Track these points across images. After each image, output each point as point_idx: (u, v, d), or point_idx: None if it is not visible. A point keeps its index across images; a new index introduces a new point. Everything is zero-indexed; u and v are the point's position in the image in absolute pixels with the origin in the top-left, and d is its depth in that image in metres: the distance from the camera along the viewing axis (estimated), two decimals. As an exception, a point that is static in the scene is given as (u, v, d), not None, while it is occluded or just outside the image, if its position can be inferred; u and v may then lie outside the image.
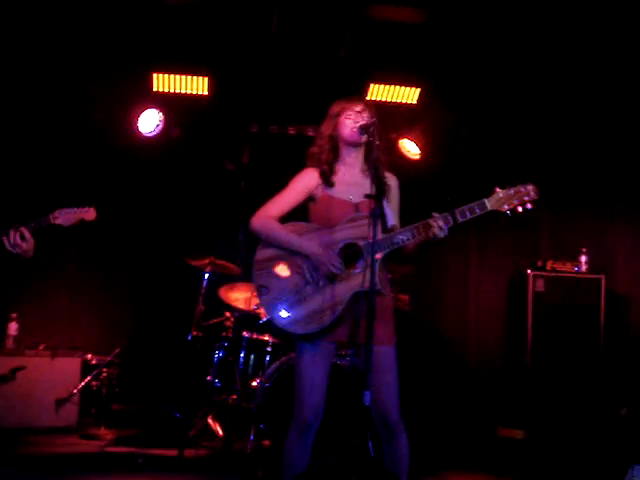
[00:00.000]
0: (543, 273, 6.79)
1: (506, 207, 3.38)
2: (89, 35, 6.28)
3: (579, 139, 7.22)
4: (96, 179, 6.87)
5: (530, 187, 3.40)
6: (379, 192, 3.24)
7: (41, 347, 6.33)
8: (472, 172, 7.24)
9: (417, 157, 7.12)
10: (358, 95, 6.41)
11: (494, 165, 7.23)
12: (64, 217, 4.05)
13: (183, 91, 6.73)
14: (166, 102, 6.81)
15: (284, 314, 3.46)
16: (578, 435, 6.46)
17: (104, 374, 6.29)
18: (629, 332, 6.99)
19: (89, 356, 6.38)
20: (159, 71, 6.65)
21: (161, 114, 6.80)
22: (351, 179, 3.64)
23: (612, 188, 7.29)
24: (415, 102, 6.92)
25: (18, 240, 3.88)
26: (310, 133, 7.03)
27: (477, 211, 3.37)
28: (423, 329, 7.36)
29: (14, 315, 6.34)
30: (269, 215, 3.60)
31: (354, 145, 3.65)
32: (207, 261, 6.21)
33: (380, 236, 3.30)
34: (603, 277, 6.76)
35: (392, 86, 6.85)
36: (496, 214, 3.40)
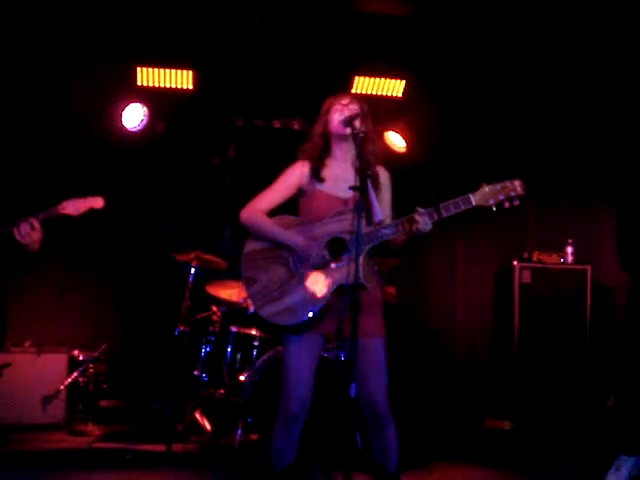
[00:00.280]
0: (529, 264, 6.81)
1: (492, 202, 3.37)
2: (73, 28, 6.24)
3: (566, 131, 7.25)
4: (80, 174, 6.82)
5: (517, 182, 3.39)
6: (363, 184, 3.24)
7: (27, 344, 6.31)
8: (459, 165, 7.25)
9: (403, 150, 7.12)
10: (343, 88, 6.43)
11: (481, 157, 7.25)
12: (73, 206, 4.11)
13: (168, 85, 6.69)
14: (150, 96, 6.77)
15: (269, 306, 3.47)
16: (565, 426, 6.50)
17: (91, 370, 6.28)
18: (615, 323, 7.02)
19: (76, 352, 6.35)
20: (143, 65, 6.61)
21: (145, 108, 6.77)
22: (341, 174, 3.63)
23: (598, 179, 7.32)
24: (401, 95, 6.91)
25: (28, 229, 3.97)
26: (295, 127, 7.02)
27: (462, 206, 3.37)
28: (410, 321, 7.36)
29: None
30: (257, 209, 3.61)
31: (342, 138, 3.64)
32: (193, 256, 6.19)
33: (365, 230, 3.30)
34: (589, 268, 6.79)
35: (377, 79, 6.84)
36: (482, 208, 3.40)
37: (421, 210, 3.37)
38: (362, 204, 3.19)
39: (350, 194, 3.50)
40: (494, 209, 3.39)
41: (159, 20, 6.23)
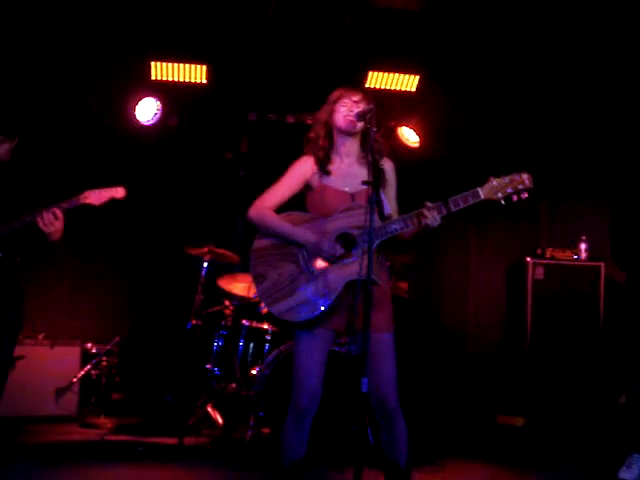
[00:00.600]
0: (543, 261, 6.78)
1: (500, 195, 3.37)
2: (87, 24, 6.25)
3: (580, 126, 7.20)
4: (94, 168, 6.84)
5: (525, 176, 3.39)
6: (376, 179, 3.23)
7: (40, 336, 6.35)
8: (472, 159, 7.22)
9: (416, 145, 7.10)
10: (357, 83, 6.42)
11: (494, 152, 7.21)
12: (95, 196, 4.18)
13: (181, 79, 6.70)
14: (164, 90, 6.78)
15: (279, 303, 3.47)
16: (577, 423, 6.48)
17: (104, 363, 6.30)
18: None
19: (89, 345, 6.39)
20: (157, 59, 6.62)
21: (159, 102, 6.78)
22: (347, 169, 3.62)
23: (613, 176, 7.27)
24: (414, 90, 6.89)
25: (51, 218, 4.04)
26: (309, 121, 7.00)
27: (470, 200, 3.37)
28: (422, 317, 7.36)
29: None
30: (265, 205, 3.60)
31: (347, 134, 3.63)
32: (206, 250, 6.20)
33: (375, 225, 3.29)
34: (603, 265, 6.75)
35: (391, 74, 6.82)
36: (495, 202, 3.39)
37: (430, 205, 3.37)
38: (375, 198, 3.18)
39: (357, 189, 3.50)
40: (503, 202, 3.39)
41: (173, 14, 6.23)
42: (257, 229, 3.62)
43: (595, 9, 5.86)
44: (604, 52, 6.37)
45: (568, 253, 6.82)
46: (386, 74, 6.82)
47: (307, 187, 3.65)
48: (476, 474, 5.25)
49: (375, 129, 3.43)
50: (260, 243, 3.60)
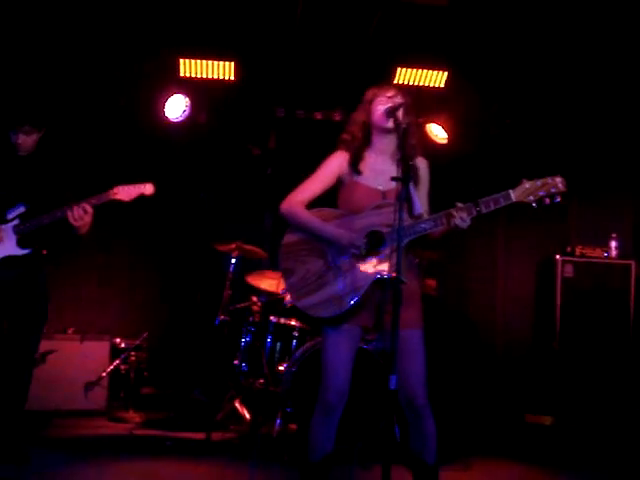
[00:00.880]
0: (572, 258, 6.73)
1: (532, 198, 3.33)
2: (118, 20, 6.30)
3: (611, 123, 7.12)
4: (123, 164, 6.88)
5: (558, 179, 3.35)
6: (406, 175, 3.21)
7: (70, 331, 6.41)
8: (501, 156, 7.18)
9: (444, 142, 7.06)
10: (385, 79, 6.39)
11: (523, 150, 7.16)
12: (125, 192, 4.24)
13: (210, 76, 6.71)
14: (193, 87, 6.81)
15: (306, 298, 3.48)
16: (607, 421, 6.41)
17: (132, 358, 6.35)
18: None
19: (118, 340, 6.43)
20: (186, 56, 6.64)
21: (188, 99, 6.81)
22: (380, 166, 3.61)
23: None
24: (443, 86, 6.85)
25: (81, 213, 4.13)
26: (337, 118, 7.01)
27: (501, 202, 3.34)
28: (450, 314, 7.33)
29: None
30: (297, 200, 3.61)
31: (384, 131, 3.61)
32: (234, 246, 6.22)
33: (404, 223, 3.28)
34: (633, 263, 6.69)
35: (419, 70, 6.78)
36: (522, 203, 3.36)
37: (460, 205, 3.35)
38: (404, 195, 3.17)
39: (389, 187, 3.48)
40: (534, 205, 3.36)
41: (201, 11, 6.25)
42: (286, 224, 3.63)
43: (626, 8, 5.78)
44: (637, 50, 6.29)
45: (598, 251, 6.76)
46: (414, 70, 6.78)
47: (339, 182, 3.65)
48: (504, 473, 5.23)
49: (404, 125, 3.42)
50: (290, 238, 3.61)
